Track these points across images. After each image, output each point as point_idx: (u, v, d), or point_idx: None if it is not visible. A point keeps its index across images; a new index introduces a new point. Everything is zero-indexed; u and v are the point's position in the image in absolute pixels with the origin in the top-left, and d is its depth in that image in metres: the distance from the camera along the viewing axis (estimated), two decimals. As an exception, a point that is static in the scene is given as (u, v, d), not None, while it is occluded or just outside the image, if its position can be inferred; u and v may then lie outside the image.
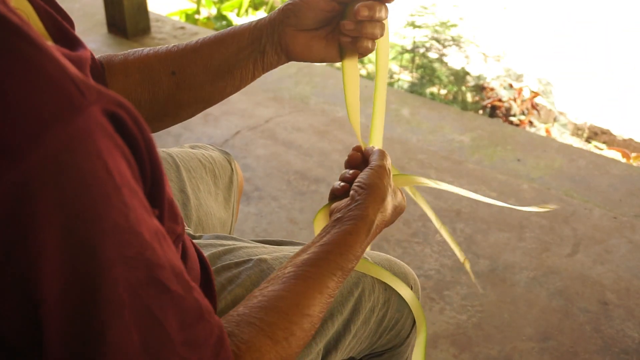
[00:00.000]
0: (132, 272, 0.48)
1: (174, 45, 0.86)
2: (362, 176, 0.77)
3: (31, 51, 0.44)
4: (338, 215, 0.74)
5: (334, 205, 0.78)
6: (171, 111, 0.88)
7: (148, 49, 0.87)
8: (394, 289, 0.94)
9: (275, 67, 0.86)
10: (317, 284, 0.67)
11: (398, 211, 0.80)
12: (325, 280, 0.67)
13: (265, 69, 0.86)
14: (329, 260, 0.69)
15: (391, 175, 0.79)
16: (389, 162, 0.80)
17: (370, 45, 0.82)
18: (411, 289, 0.97)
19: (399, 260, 0.99)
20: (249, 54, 0.84)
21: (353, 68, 0.84)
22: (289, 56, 0.84)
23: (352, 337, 0.89)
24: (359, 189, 0.75)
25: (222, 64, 0.84)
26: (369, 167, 0.78)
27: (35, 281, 0.45)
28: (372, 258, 0.94)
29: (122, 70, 0.85)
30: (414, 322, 1.00)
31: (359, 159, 0.84)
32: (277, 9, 0.83)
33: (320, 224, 0.83)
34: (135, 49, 0.87)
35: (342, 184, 0.82)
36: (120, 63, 0.86)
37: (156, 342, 0.50)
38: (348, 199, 0.76)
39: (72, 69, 0.46)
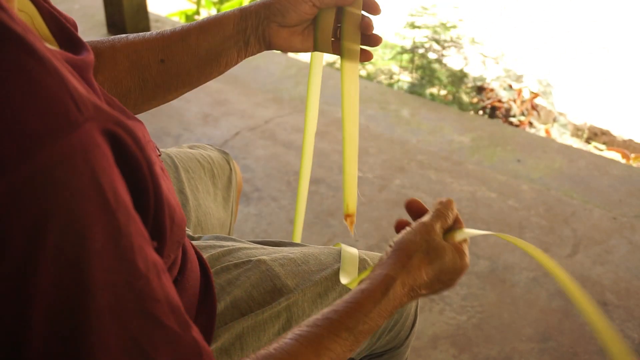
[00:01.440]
0: (119, 301, 0.46)
1: (159, 32, 0.88)
2: (398, 235, 0.71)
3: (32, 63, 0.43)
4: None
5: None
6: (160, 95, 0.90)
7: (134, 35, 0.88)
8: None
9: (256, 53, 0.90)
10: (313, 344, 0.60)
11: (451, 270, 0.70)
12: (324, 342, 0.60)
13: (247, 56, 0.90)
14: (331, 320, 0.62)
15: (438, 232, 0.71)
16: (441, 220, 0.73)
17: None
18: None
19: None
20: (234, 42, 0.87)
21: (353, 71, 0.87)
22: (270, 47, 0.89)
23: None
24: (388, 247, 0.70)
25: (209, 52, 0.87)
26: (402, 233, 0.72)
27: (24, 296, 0.43)
28: (372, 258, 0.94)
29: (111, 58, 0.86)
30: (413, 323, 1.00)
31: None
32: (262, 2, 0.86)
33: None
34: (121, 36, 0.89)
35: None
36: (108, 50, 0.87)
37: None
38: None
39: (72, 82, 0.45)
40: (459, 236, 0.73)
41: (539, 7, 5.31)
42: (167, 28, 0.89)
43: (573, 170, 2.25)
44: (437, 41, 3.74)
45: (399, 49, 3.82)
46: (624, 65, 4.47)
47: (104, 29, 3.10)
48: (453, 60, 3.77)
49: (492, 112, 3.55)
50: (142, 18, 3.05)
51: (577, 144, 3.57)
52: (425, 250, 0.69)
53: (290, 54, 4.22)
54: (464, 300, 1.70)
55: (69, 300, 0.44)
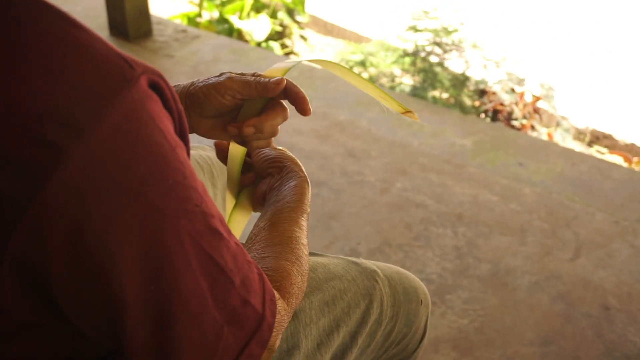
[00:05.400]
0: (192, 224, 0.51)
1: None
2: (269, 157, 0.85)
3: (79, 33, 0.48)
4: (277, 184, 0.82)
5: (260, 187, 0.85)
6: None
7: None
8: (403, 303, 0.92)
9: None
10: (291, 223, 0.75)
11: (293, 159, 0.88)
12: (297, 220, 0.76)
13: None
14: (291, 208, 0.77)
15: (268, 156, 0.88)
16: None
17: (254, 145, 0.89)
18: (421, 303, 0.95)
19: (409, 273, 0.97)
20: None
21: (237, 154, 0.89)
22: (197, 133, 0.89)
23: (357, 349, 0.88)
24: (279, 163, 0.84)
25: None
26: (266, 154, 0.86)
27: (112, 243, 0.48)
28: (383, 270, 0.92)
29: None
30: (422, 336, 0.99)
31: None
32: (186, 90, 0.84)
33: (242, 212, 0.88)
34: None
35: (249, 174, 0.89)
36: None
37: (221, 287, 0.53)
38: (270, 177, 0.84)
39: (114, 46, 0.50)
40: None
41: (541, 10, 5.31)
42: None
43: (575, 173, 2.24)
44: (439, 45, 3.75)
45: (400, 52, 3.82)
46: (627, 68, 4.47)
47: (106, 32, 3.10)
48: (455, 64, 3.77)
49: (494, 115, 3.55)
50: (144, 20, 3.05)
51: (580, 147, 3.57)
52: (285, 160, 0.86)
53: (292, 55, 4.22)
54: (465, 303, 1.69)
55: (154, 238, 0.49)
